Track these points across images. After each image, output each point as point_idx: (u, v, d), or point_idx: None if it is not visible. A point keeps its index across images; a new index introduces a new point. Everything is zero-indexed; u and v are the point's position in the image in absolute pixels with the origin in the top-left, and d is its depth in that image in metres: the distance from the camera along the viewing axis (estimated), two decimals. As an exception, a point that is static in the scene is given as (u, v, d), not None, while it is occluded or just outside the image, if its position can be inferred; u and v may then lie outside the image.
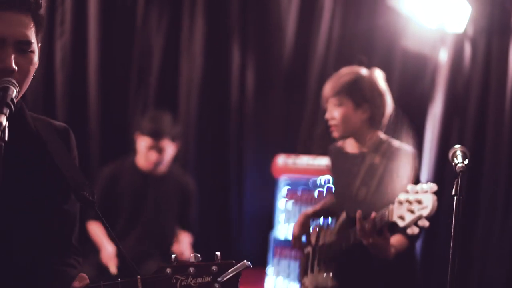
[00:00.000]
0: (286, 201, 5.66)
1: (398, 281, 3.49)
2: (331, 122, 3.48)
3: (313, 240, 3.70)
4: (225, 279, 1.96)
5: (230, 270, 1.97)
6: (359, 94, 3.45)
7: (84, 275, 2.04)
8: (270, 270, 5.56)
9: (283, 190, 5.69)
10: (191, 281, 1.96)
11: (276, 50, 6.36)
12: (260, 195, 6.27)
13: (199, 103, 6.32)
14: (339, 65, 6.04)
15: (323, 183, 5.52)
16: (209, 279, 1.96)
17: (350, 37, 6.12)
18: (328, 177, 5.56)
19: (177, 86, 6.32)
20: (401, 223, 2.99)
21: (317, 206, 3.91)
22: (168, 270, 1.96)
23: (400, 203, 3.00)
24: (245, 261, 1.98)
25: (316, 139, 6.25)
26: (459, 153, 2.60)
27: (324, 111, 6.03)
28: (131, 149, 5.49)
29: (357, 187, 3.45)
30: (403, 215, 2.97)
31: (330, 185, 5.50)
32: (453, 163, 2.59)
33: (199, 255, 1.99)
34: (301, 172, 5.62)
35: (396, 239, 3.26)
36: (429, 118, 5.55)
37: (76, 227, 2.28)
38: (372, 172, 3.43)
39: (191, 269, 1.96)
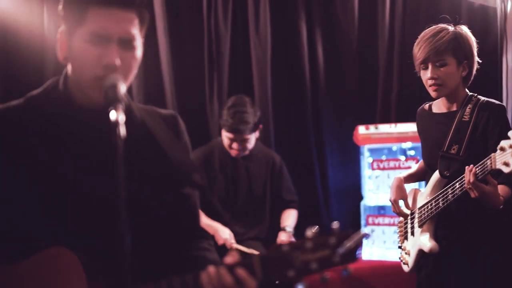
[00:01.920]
0: (373, 169, 5.68)
1: (503, 231, 3.48)
2: (435, 82, 3.44)
3: (410, 203, 3.73)
4: (345, 250, 1.87)
5: (348, 241, 1.88)
6: (461, 52, 3.44)
7: (235, 253, 2.02)
8: (365, 239, 5.56)
9: (367, 159, 5.71)
10: (310, 256, 1.87)
11: (343, 21, 6.36)
12: (343, 167, 6.29)
13: (273, 82, 6.32)
14: (407, 29, 6.12)
15: (407, 147, 5.53)
16: (328, 252, 1.87)
17: (414, 1, 6.09)
18: (410, 143, 5.59)
19: (249, 68, 6.33)
20: (506, 169, 2.96)
21: (410, 171, 3.93)
22: (286, 247, 1.89)
23: (503, 149, 2.97)
24: (362, 229, 1.93)
25: (393, 106, 6.28)
26: None
27: (400, 77, 6.10)
28: (212, 134, 5.57)
29: (448, 145, 3.47)
30: (507, 161, 2.95)
31: (417, 149, 5.54)
32: None
33: (317, 227, 1.92)
34: (383, 140, 5.62)
35: (500, 188, 3.26)
36: (503, 69, 5.50)
37: (198, 211, 2.30)
38: (463, 129, 3.43)
39: (309, 244, 1.88)
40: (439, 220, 3.52)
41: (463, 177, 3.19)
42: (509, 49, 5.43)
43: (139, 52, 2.10)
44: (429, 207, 3.50)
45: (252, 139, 5.17)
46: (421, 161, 3.90)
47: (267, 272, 1.88)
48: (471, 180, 3.10)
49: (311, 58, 6.37)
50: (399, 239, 3.90)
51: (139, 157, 2.12)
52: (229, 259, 1.93)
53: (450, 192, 3.31)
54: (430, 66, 3.42)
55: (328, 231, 1.91)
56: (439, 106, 3.64)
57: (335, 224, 1.92)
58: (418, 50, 3.45)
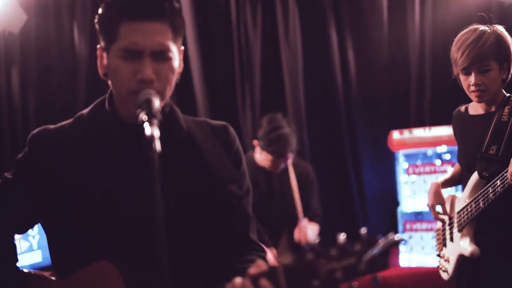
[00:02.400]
0: (408, 174, 5.63)
1: None
2: (479, 88, 3.39)
3: (448, 209, 3.68)
4: (371, 258, 1.77)
5: (375, 248, 1.77)
6: (503, 55, 3.38)
7: (262, 262, 2.00)
8: (402, 246, 5.52)
9: (403, 164, 5.66)
10: (335, 264, 1.77)
11: (373, 27, 6.33)
12: (378, 173, 6.25)
13: (305, 89, 6.33)
14: (437, 32, 6.07)
15: (442, 151, 5.47)
16: (353, 260, 1.77)
17: (443, 2, 6.05)
18: (445, 147, 5.53)
19: (281, 77, 6.34)
20: None
21: (446, 175, 3.88)
22: (310, 255, 1.80)
23: None
24: (392, 234, 1.79)
25: (426, 110, 6.22)
26: None
27: (432, 80, 6.04)
28: (246, 146, 5.56)
29: (486, 146, 3.41)
30: None
31: (452, 152, 5.48)
32: None
33: (344, 234, 1.83)
34: (418, 144, 5.57)
35: None
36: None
37: (250, 222, 2.25)
38: (502, 129, 3.38)
39: (334, 252, 1.78)
40: (478, 223, 3.46)
41: (504, 173, 3.12)
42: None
43: (176, 62, 2.06)
44: (469, 210, 3.44)
45: (291, 157, 5.11)
46: (456, 165, 3.85)
47: (292, 283, 1.81)
48: None
49: (342, 65, 6.37)
50: (437, 247, 3.85)
51: (183, 168, 2.11)
52: (253, 270, 1.89)
53: (491, 191, 3.24)
54: (473, 72, 3.36)
55: (356, 238, 1.82)
56: (475, 108, 3.58)
57: (363, 230, 1.82)
58: (461, 56, 3.37)
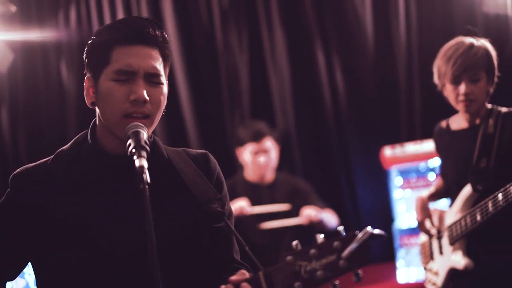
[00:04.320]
0: (403, 189, 5.62)
1: None
2: (468, 98, 3.40)
3: (437, 222, 3.68)
4: (349, 253, 1.79)
5: (353, 243, 1.79)
6: (492, 66, 3.42)
7: (245, 271, 2.01)
8: (399, 262, 5.53)
9: (396, 180, 5.65)
10: (315, 264, 1.79)
11: (359, 44, 6.34)
12: (372, 190, 6.23)
13: (295, 111, 6.35)
14: (423, 45, 6.09)
15: (435, 165, 5.47)
16: (333, 258, 1.79)
17: (428, 16, 6.08)
18: (438, 159, 5.53)
19: (270, 99, 6.38)
20: None
21: (431, 190, 3.89)
22: (289, 257, 1.81)
23: None
24: (369, 227, 1.81)
25: (416, 124, 6.22)
26: None
27: (422, 96, 6.04)
28: (236, 168, 5.58)
29: (476, 159, 3.42)
30: None
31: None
32: None
33: (322, 235, 1.84)
34: (410, 159, 5.56)
35: None
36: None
37: (234, 243, 2.26)
38: (489, 141, 3.39)
39: (313, 251, 1.80)
40: (471, 236, 3.46)
41: (508, 187, 3.11)
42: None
43: (165, 89, 2.11)
44: (463, 223, 3.44)
45: (273, 151, 5.19)
46: (439, 179, 3.86)
47: (274, 287, 1.82)
48: None
49: (330, 84, 6.38)
50: (422, 260, 3.86)
51: (167, 197, 2.12)
52: (234, 276, 1.90)
53: (491, 205, 3.23)
54: (464, 81, 3.37)
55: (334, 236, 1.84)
56: (458, 122, 3.60)
57: (339, 227, 1.85)
58: (453, 65, 3.38)
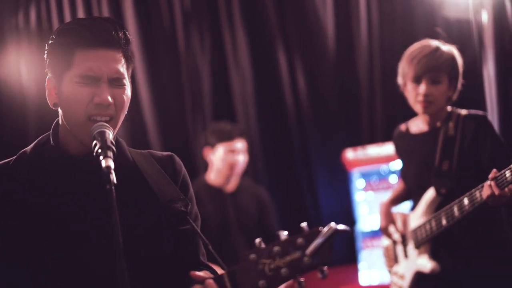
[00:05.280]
0: (365, 191, 5.65)
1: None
2: (427, 99, 3.41)
3: (401, 226, 3.69)
4: (313, 249, 1.76)
5: (318, 238, 1.76)
6: (455, 72, 3.44)
7: (208, 272, 2.03)
8: (362, 264, 5.55)
9: (358, 183, 5.67)
10: (279, 261, 1.78)
11: (320, 46, 6.34)
12: (334, 192, 6.23)
13: (257, 113, 6.34)
14: (384, 48, 6.12)
15: (396, 168, 5.50)
16: (297, 254, 1.77)
17: (389, 18, 6.11)
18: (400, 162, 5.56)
19: (231, 102, 6.37)
20: None
21: (393, 194, 3.90)
22: (252, 256, 1.80)
23: None
24: (332, 223, 1.77)
25: (378, 126, 6.25)
26: None
27: (383, 98, 6.07)
28: (198, 171, 5.56)
29: (438, 162, 3.43)
30: None
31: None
32: None
33: (285, 232, 1.81)
34: (372, 162, 5.59)
35: None
36: (485, 80, 5.48)
37: (199, 245, 2.25)
38: (450, 144, 3.41)
39: (276, 249, 1.78)
40: (437, 239, 3.46)
41: (473, 192, 3.12)
42: (489, 60, 5.41)
43: (129, 90, 2.11)
44: (428, 227, 3.44)
45: (244, 154, 5.18)
46: (400, 182, 3.87)
47: (238, 286, 1.82)
48: (497, 193, 2.95)
49: (292, 86, 6.38)
50: (387, 264, 3.86)
51: (131, 198, 2.11)
52: (199, 273, 1.92)
53: (457, 210, 3.23)
54: (424, 82, 3.38)
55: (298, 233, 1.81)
56: (418, 125, 3.61)
57: (304, 225, 1.82)
58: (417, 64, 3.40)
